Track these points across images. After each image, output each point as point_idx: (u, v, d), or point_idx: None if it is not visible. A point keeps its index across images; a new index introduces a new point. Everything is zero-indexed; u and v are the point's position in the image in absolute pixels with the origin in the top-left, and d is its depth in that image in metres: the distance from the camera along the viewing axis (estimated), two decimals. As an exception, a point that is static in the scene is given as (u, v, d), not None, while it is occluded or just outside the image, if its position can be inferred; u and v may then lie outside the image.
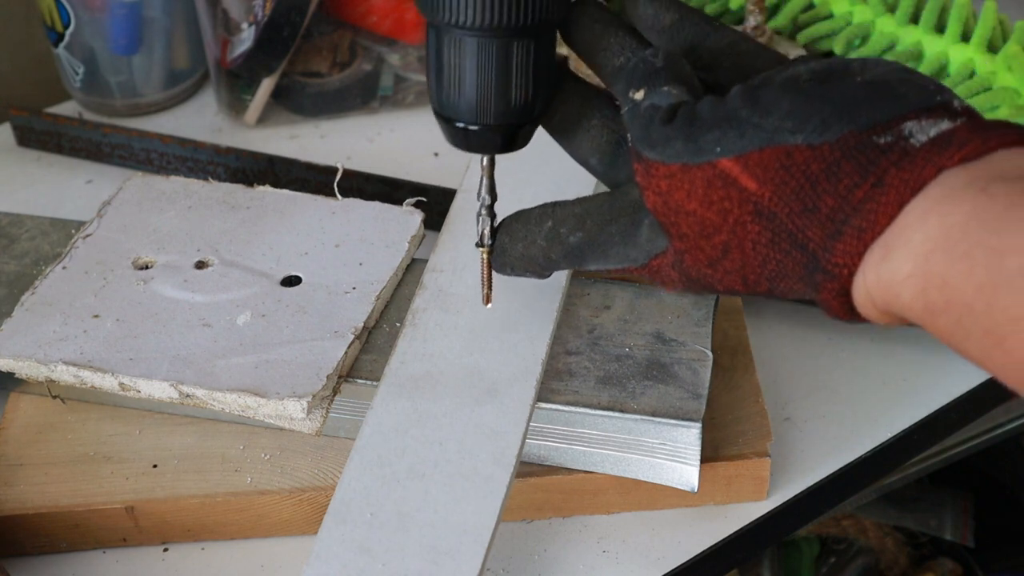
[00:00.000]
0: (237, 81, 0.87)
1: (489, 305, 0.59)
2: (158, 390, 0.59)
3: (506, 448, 0.56)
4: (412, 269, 0.66)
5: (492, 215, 0.56)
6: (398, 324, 0.63)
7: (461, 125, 0.52)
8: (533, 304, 0.62)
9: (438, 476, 0.55)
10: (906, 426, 0.65)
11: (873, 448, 0.64)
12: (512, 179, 0.60)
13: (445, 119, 0.53)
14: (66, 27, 0.87)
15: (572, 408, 0.58)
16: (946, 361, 0.68)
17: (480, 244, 0.56)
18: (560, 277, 0.63)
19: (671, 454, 0.58)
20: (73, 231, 0.70)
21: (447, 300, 0.63)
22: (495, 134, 0.52)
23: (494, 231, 0.56)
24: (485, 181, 0.55)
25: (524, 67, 0.51)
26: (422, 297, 0.63)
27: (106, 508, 0.59)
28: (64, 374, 0.60)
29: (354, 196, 0.71)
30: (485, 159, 0.54)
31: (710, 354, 0.60)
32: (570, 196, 0.64)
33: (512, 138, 0.53)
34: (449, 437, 0.56)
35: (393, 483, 0.55)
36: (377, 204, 0.69)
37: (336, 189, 0.70)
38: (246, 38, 0.84)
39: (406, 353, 0.61)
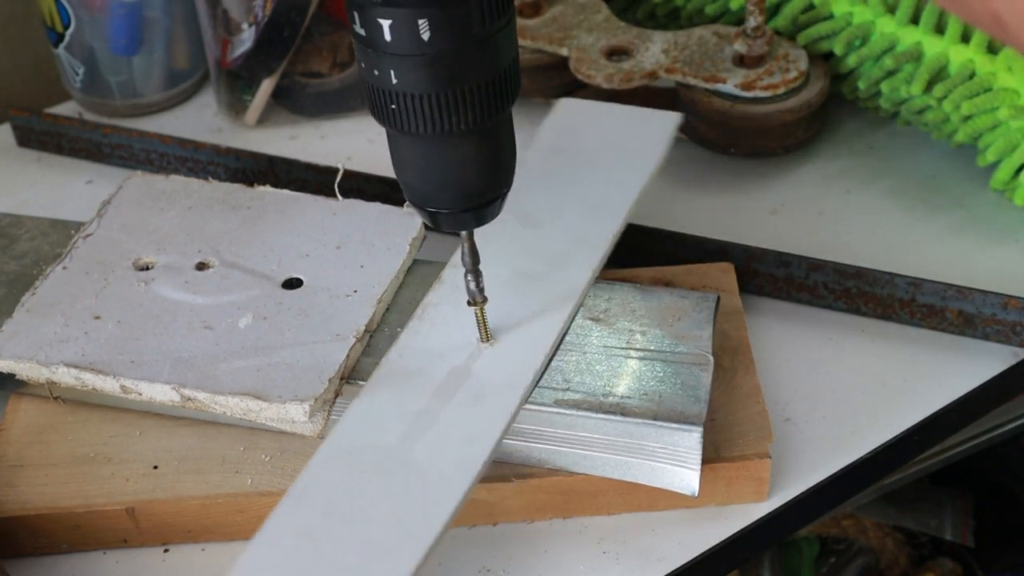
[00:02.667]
0: (237, 81, 0.87)
1: (488, 343, 0.60)
2: (160, 393, 0.59)
3: (475, 455, 0.55)
4: (413, 271, 0.66)
5: (478, 275, 0.58)
6: (399, 329, 0.63)
7: (433, 210, 0.54)
8: (543, 313, 0.61)
9: (400, 473, 0.55)
10: (906, 426, 0.65)
11: (873, 448, 0.64)
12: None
13: (416, 206, 0.54)
14: (66, 27, 0.87)
15: (573, 411, 0.58)
16: (946, 361, 0.68)
17: (472, 303, 0.59)
18: (575, 288, 0.62)
19: (672, 458, 0.57)
20: (72, 232, 0.70)
21: (462, 297, 0.62)
22: (468, 214, 0.54)
23: (481, 287, 0.58)
24: (467, 247, 0.57)
25: (490, 154, 0.52)
26: (437, 292, 0.63)
27: (107, 509, 0.59)
28: (65, 376, 0.60)
29: (354, 197, 0.71)
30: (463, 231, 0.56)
31: (711, 357, 0.60)
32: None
33: (485, 213, 0.55)
34: (423, 436, 0.56)
35: (356, 474, 0.55)
36: (378, 205, 0.69)
37: (337, 190, 0.70)
38: (246, 38, 0.84)
39: (406, 347, 0.61)
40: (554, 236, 0.66)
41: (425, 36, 0.47)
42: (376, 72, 0.49)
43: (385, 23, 0.47)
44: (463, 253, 0.57)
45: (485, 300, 0.59)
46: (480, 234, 0.57)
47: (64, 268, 0.66)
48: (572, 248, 0.65)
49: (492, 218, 0.55)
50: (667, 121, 0.73)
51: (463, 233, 0.56)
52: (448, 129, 0.50)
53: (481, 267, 0.57)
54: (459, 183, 0.52)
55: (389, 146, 0.54)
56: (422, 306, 0.63)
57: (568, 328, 0.61)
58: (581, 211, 0.67)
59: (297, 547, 0.52)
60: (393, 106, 0.50)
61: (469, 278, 0.58)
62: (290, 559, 0.52)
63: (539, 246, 0.65)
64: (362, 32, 0.49)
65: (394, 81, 0.49)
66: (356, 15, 0.48)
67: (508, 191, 0.55)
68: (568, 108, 0.75)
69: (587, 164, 0.70)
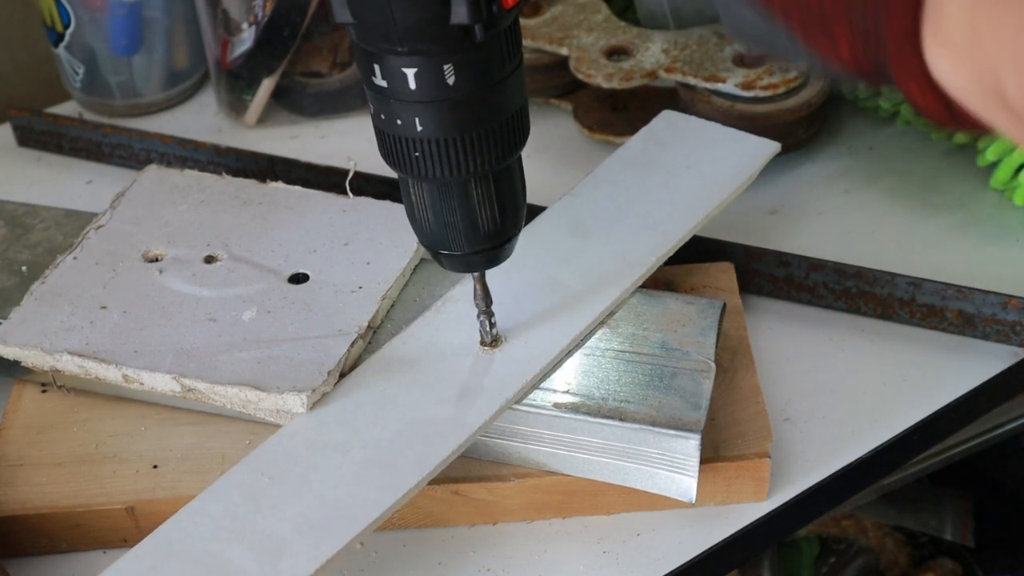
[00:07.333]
0: (237, 81, 0.87)
1: (491, 349, 0.60)
2: (160, 382, 0.59)
3: (434, 454, 0.55)
4: (420, 270, 0.66)
5: (490, 315, 0.59)
6: (403, 326, 0.63)
7: (446, 253, 0.55)
8: (556, 327, 0.61)
9: (358, 456, 0.55)
10: (906, 426, 0.65)
11: (873, 448, 0.64)
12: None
13: (429, 248, 0.55)
14: (66, 27, 0.87)
15: (571, 415, 0.58)
16: (946, 361, 0.68)
17: (484, 343, 0.60)
18: (597, 307, 0.62)
19: (670, 464, 0.57)
20: (86, 223, 0.71)
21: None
22: (479, 256, 0.55)
23: (493, 327, 0.59)
24: (479, 290, 0.58)
25: (503, 196, 0.53)
26: (463, 287, 0.63)
27: (106, 509, 0.59)
28: (69, 364, 0.61)
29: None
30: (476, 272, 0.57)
31: (713, 365, 0.60)
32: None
33: (498, 255, 0.55)
34: (393, 425, 0.57)
35: (316, 450, 0.56)
36: (387, 203, 0.69)
37: (348, 187, 0.70)
38: (246, 38, 0.84)
39: (412, 335, 0.61)
40: (597, 249, 0.65)
41: (450, 80, 0.48)
42: (399, 121, 0.50)
43: (410, 72, 0.48)
44: (475, 294, 0.58)
45: (499, 341, 0.60)
46: (526, 232, 0.58)
47: (75, 258, 0.66)
48: (610, 265, 0.64)
49: (504, 260, 0.56)
50: (762, 148, 0.71)
51: (475, 276, 0.57)
52: (471, 171, 0.51)
53: (512, 266, 0.57)
54: (473, 226, 0.53)
55: (402, 192, 0.54)
56: (443, 299, 0.63)
57: (579, 344, 0.61)
58: (635, 228, 0.66)
59: (238, 507, 0.54)
60: (417, 153, 0.50)
61: (482, 319, 0.59)
62: (228, 516, 0.53)
63: (578, 257, 0.64)
64: (383, 83, 0.49)
65: (419, 128, 0.50)
66: (377, 67, 0.49)
67: (519, 232, 0.56)
68: (666, 120, 0.74)
69: (661, 180, 0.69)
